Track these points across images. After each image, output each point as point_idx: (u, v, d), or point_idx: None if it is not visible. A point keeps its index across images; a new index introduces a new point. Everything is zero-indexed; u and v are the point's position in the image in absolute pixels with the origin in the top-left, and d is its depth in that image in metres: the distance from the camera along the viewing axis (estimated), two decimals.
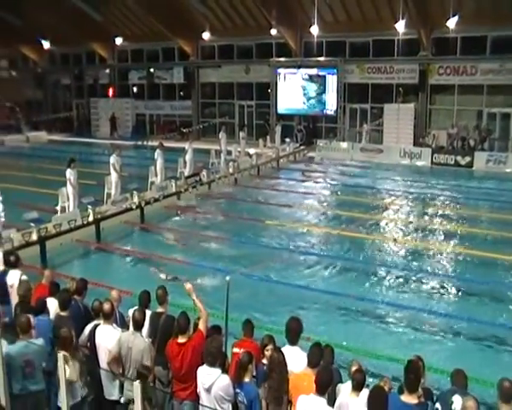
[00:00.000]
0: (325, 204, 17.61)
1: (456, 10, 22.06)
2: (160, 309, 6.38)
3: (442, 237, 13.97)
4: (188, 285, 6.13)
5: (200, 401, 5.19)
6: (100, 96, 35.83)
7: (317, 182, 20.84)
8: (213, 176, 19.51)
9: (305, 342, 5.95)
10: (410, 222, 15.39)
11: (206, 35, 28.94)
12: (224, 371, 5.24)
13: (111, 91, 35.56)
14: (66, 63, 37.78)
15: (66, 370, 5.26)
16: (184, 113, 32.84)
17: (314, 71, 27.59)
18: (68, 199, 14.65)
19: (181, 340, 5.53)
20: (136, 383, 4.69)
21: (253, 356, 5.25)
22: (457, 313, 9.50)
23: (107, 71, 35.89)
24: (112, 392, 5.87)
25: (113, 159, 16.16)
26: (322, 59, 27.39)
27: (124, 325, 6.29)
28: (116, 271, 12.01)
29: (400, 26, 23.25)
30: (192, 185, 18.22)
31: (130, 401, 5.22)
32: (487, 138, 24.01)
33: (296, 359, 5.37)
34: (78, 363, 5.47)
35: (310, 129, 28.61)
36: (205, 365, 5.18)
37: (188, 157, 19.76)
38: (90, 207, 14.23)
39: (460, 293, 10.56)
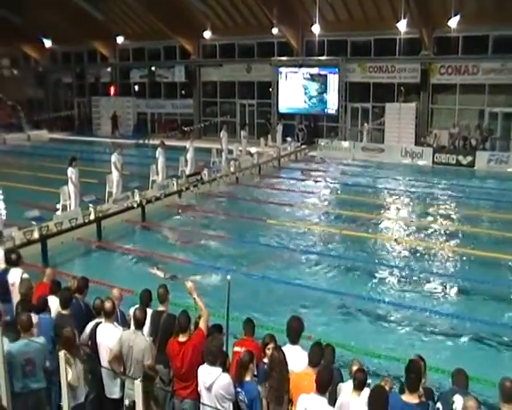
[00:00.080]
0: (326, 203, 17.60)
1: (458, 10, 22.01)
2: (161, 308, 6.39)
3: (443, 237, 13.95)
4: (189, 284, 6.13)
5: (201, 400, 5.19)
6: (101, 95, 35.82)
7: (318, 181, 20.82)
8: (214, 175, 19.51)
9: (306, 341, 5.95)
10: (412, 222, 15.38)
11: (207, 34, 28.93)
12: (225, 370, 5.24)
13: (112, 90, 35.56)
14: (68, 62, 37.82)
15: (69, 373, 5.26)
16: (186, 111, 32.83)
17: (315, 70, 27.56)
18: (70, 197, 14.66)
19: (181, 339, 5.54)
20: (137, 382, 4.69)
21: (253, 355, 5.24)
22: (459, 313, 9.50)
23: (109, 69, 35.89)
24: (113, 390, 5.87)
25: (114, 157, 16.18)
26: (323, 58, 27.36)
27: (125, 324, 6.29)
28: (117, 269, 12.01)
29: (402, 26, 23.21)
30: (193, 184, 18.22)
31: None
32: (489, 138, 23.97)
33: (297, 358, 5.36)
34: (80, 363, 5.47)
35: (311, 128, 28.58)
36: (205, 364, 5.18)
37: (189, 156, 19.76)
38: (91, 205, 14.24)
39: (461, 293, 10.56)
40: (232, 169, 20.47)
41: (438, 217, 15.76)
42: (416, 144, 24.91)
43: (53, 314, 6.36)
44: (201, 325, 5.72)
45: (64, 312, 6.27)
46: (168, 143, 20.12)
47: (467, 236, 13.92)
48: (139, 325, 5.74)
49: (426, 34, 24.58)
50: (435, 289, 10.73)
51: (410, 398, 4.68)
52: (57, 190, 14.85)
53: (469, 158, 23.03)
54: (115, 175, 16.10)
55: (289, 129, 28.01)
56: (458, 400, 4.80)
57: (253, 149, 23.87)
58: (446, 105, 25.92)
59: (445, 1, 22.60)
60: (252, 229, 14.42)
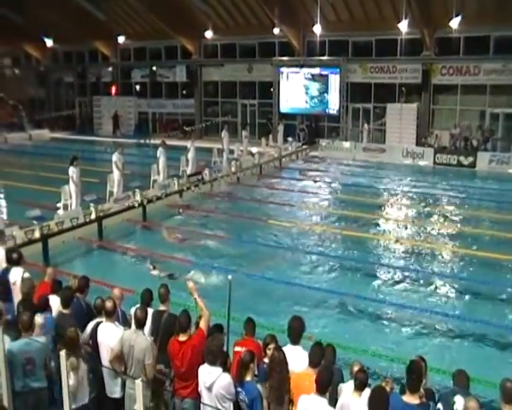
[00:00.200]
0: (327, 203, 17.59)
1: (459, 10, 21.98)
2: (162, 307, 6.39)
3: (444, 238, 13.95)
4: (190, 284, 6.14)
5: (202, 400, 5.19)
6: (102, 95, 35.82)
7: (319, 181, 20.81)
8: (216, 175, 19.50)
9: (306, 341, 5.95)
10: (412, 222, 15.37)
11: (208, 34, 28.92)
12: (226, 369, 5.24)
13: (114, 89, 35.56)
14: (69, 61, 37.83)
15: (71, 377, 5.26)
16: (187, 111, 32.82)
17: (317, 70, 27.54)
18: (71, 197, 14.68)
19: (182, 338, 5.55)
20: (138, 382, 4.70)
21: (254, 355, 5.24)
22: (460, 314, 9.50)
23: (110, 69, 35.89)
24: (114, 390, 5.88)
25: (115, 157, 16.20)
26: (324, 58, 27.35)
27: (126, 323, 6.29)
28: (118, 269, 12.03)
29: (403, 26, 23.20)
30: (194, 184, 18.23)
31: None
32: (490, 139, 23.94)
33: (298, 358, 5.36)
34: (84, 364, 5.47)
35: (312, 128, 28.56)
36: (206, 363, 5.18)
37: (190, 156, 19.76)
38: (92, 204, 14.26)
39: (462, 293, 10.55)
40: (233, 169, 20.46)
41: (439, 217, 15.75)
42: (417, 145, 24.88)
43: (54, 314, 6.37)
44: (202, 325, 5.72)
45: (65, 311, 6.28)
46: (169, 142, 20.13)
47: (468, 236, 13.91)
48: (140, 324, 5.74)
49: (427, 35, 24.56)
50: (436, 289, 10.73)
51: (410, 399, 4.68)
52: (58, 190, 14.87)
53: (470, 159, 23.00)
54: (116, 174, 16.12)
55: (290, 129, 28.00)
56: (459, 400, 4.80)
57: (254, 149, 23.87)
58: (447, 106, 25.89)
59: (446, 1, 22.58)
60: (252, 229, 14.41)
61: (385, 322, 9.35)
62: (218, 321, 6.27)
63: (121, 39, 32.83)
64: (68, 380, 5.20)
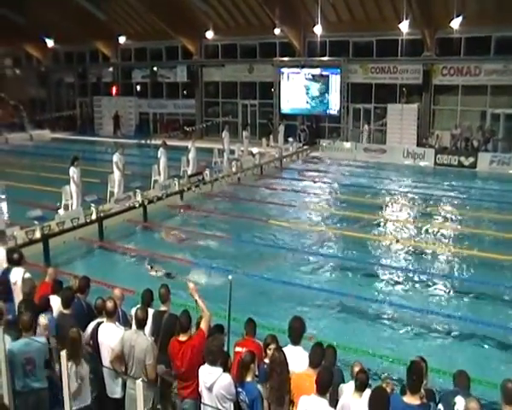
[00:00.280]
0: (328, 204, 17.59)
1: (460, 11, 21.97)
2: (162, 308, 6.40)
3: (445, 238, 13.95)
4: (191, 285, 6.15)
5: (202, 400, 5.20)
6: (103, 95, 35.82)
7: (319, 182, 20.81)
8: (216, 175, 19.51)
9: (307, 341, 5.94)
10: (413, 222, 15.37)
11: (209, 34, 28.92)
12: (226, 370, 5.24)
13: (114, 90, 35.58)
14: (70, 62, 37.84)
15: (73, 380, 5.26)
16: (188, 111, 32.83)
17: (317, 71, 27.53)
18: (71, 197, 14.69)
19: (182, 338, 5.56)
20: (139, 382, 4.70)
21: (255, 356, 5.24)
22: (461, 314, 9.48)
23: (111, 69, 35.91)
24: (114, 390, 5.88)
25: (116, 157, 16.20)
26: (325, 59, 27.34)
27: (126, 324, 6.29)
28: (119, 269, 12.04)
29: (404, 27, 23.19)
30: (195, 184, 18.23)
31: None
32: (491, 139, 23.92)
33: (298, 359, 5.35)
34: (86, 365, 5.47)
35: (313, 129, 28.54)
36: (206, 364, 5.18)
37: (191, 156, 19.77)
38: (93, 205, 14.28)
39: (463, 294, 10.54)
40: (234, 169, 20.46)
41: (439, 218, 15.75)
42: (417, 145, 24.84)
43: (55, 314, 6.37)
44: (203, 325, 5.73)
45: (66, 311, 6.28)
46: (170, 143, 20.15)
47: (468, 237, 13.91)
48: (141, 324, 5.74)
49: (428, 35, 24.54)
50: (437, 290, 10.73)
51: (411, 399, 4.67)
52: (59, 190, 14.88)
53: (471, 159, 22.99)
54: (117, 175, 16.12)
55: (291, 129, 28.00)
56: (460, 401, 4.80)
57: (254, 150, 23.87)
58: (448, 106, 25.87)
59: (447, 2, 22.57)
60: (253, 229, 14.41)
61: (385, 323, 9.35)
62: (218, 321, 6.27)
63: (122, 39, 32.85)
64: (69, 382, 5.20)
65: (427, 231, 14.48)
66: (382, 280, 11.17)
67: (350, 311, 9.68)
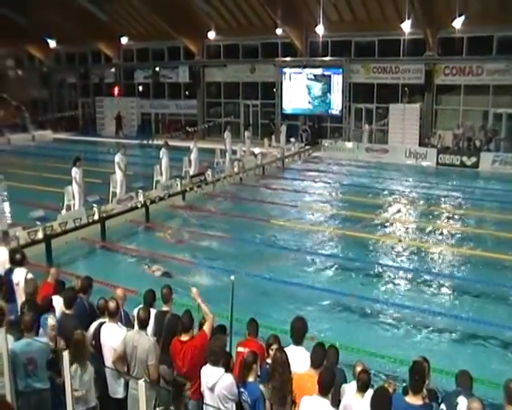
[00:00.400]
0: (330, 204, 17.57)
1: (463, 10, 21.96)
2: (164, 308, 6.40)
3: (447, 238, 13.93)
4: (193, 290, 6.16)
5: (204, 400, 5.20)
6: (105, 95, 35.88)
7: (321, 182, 20.80)
8: (218, 175, 19.50)
9: (309, 342, 5.94)
10: (415, 222, 15.36)
11: (211, 34, 28.94)
12: (229, 370, 5.24)
13: (116, 90, 35.62)
14: (72, 62, 37.88)
15: (76, 382, 5.26)
16: (190, 112, 32.86)
17: (319, 71, 27.53)
18: (74, 197, 14.71)
19: (183, 338, 5.57)
20: (141, 382, 4.70)
21: (257, 356, 5.24)
22: (463, 314, 9.47)
23: (113, 70, 35.96)
24: (116, 390, 5.89)
25: (118, 158, 16.21)
26: (327, 59, 27.33)
27: (129, 324, 6.31)
28: (121, 269, 12.03)
29: (406, 26, 23.17)
30: (197, 184, 18.23)
31: None
32: (493, 139, 23.89)
33: (301, 359, 5.35)
34: (91, 366, 5.47)
35: (315, 129, 28.55)
36: (208, 364, 5.18)
37: (193, 156, 19.77)
38: (95, 205, 14.29)
39: (465, 294, 10.52)
40: (236, 170, 20.47)
41: (442, 218, 15.73)
42: (420, 145, 24.83)
43: (57, 314, 6.38)
44: (206, 327, 5.74)
45: (68, 311, 6.28)
46: (172, 143, 20.15)
47: (470, 237, 13.89)
48: (143, 325, 5.75)
49: (430, 35, 24.53)
50: (439, 290, 10.71)
51: (413, 399, 4.67)
52: (61, 190, 14.90)
53: (473, 159, 22.96)
54: (119, 175, 16.13)
55: (293, 130, 28.02)
56: (462, 401, 4.79)
57: (256, 150, 23.87)
58: (450, 106, 25.85)
59: (449, 1, 22.55)
60: (255, 229, 14.41)
61: (387, 322, 9.33)
62: (220, 322, 6.27)
63: (124, 40, 32.88)
64: (73, 386, 5.19)
65: (429, 231, 14.46)
66: (384, 280, 11.15)
67: (352, 311, 9.68)
